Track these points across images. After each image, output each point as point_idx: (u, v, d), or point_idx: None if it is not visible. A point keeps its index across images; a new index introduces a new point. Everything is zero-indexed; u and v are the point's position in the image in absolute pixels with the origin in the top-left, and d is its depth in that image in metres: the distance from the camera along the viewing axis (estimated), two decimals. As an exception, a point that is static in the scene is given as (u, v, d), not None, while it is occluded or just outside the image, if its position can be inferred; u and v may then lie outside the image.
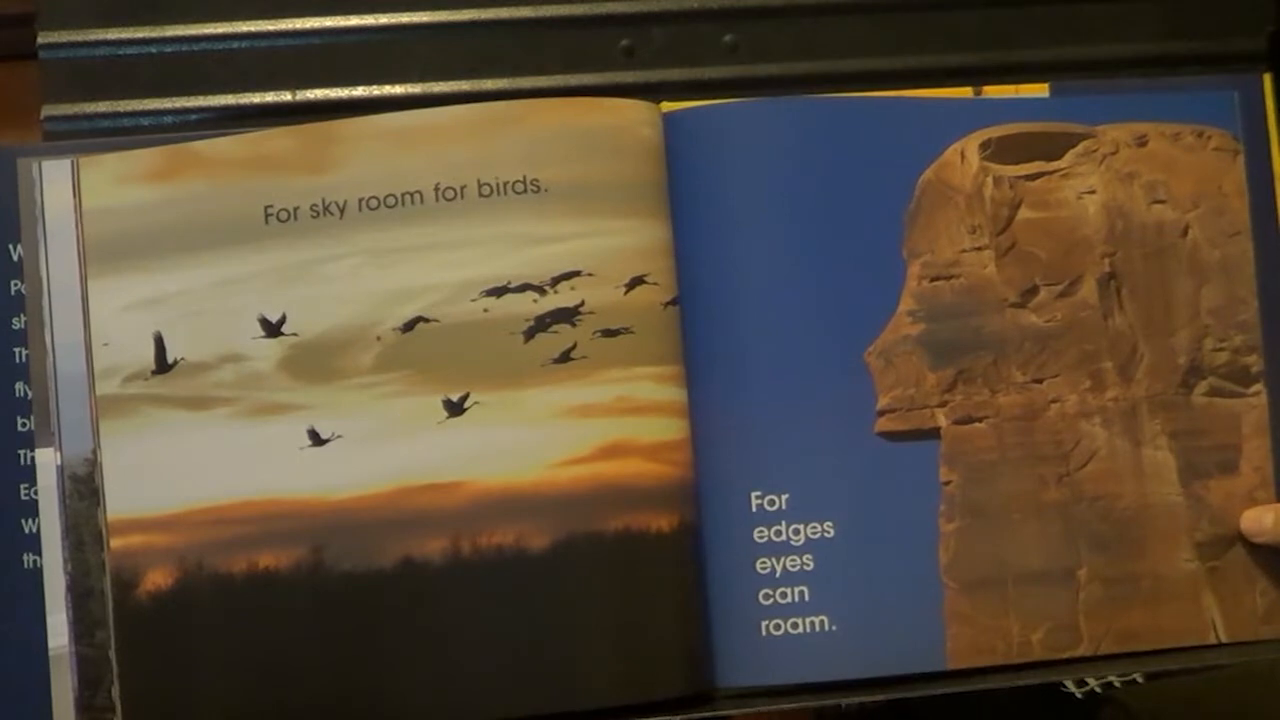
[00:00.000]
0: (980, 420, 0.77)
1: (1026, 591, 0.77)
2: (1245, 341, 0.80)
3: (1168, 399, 0.79)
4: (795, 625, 0.75)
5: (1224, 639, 0.78)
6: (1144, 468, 0.78)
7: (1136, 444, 0.78)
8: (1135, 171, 0.79)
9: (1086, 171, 0.79)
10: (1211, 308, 0.80)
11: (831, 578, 0.75)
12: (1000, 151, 0.78)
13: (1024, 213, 0.78)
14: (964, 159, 0.78)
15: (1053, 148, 0.79)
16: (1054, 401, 0.78)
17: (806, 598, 0.75)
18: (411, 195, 0.74)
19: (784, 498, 0.75)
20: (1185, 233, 0.80)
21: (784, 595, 0.75)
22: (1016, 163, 0.78)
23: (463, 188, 0.74)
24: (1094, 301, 0.78)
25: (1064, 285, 0.78)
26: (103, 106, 0.81)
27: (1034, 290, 0.78)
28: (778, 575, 0.75)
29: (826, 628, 0.75)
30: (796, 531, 0.75)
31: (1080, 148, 0.79)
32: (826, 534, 0.75)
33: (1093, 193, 0.79)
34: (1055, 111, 0.79)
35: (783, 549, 0.75)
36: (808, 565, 0.75)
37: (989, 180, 0.78)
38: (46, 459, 0.75)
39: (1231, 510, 0.79)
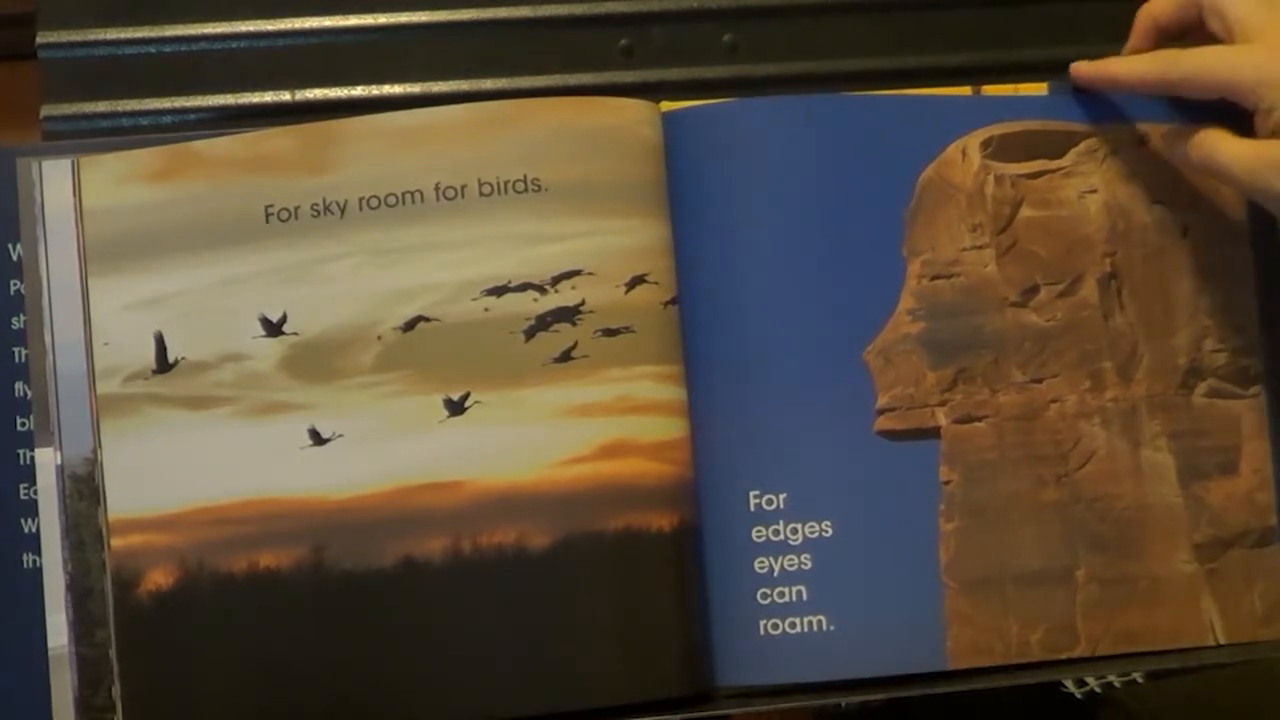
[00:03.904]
0: (980, 420, 0.77)
1: (1025, 592, 0.76)
2: (1244, 343, 0.79)
3: (1167, 399, 0.79)
4: (793, 625, 0.75)
5: (1222, 641, 0.78)
6: (1143, 468, 0.78)
7: (1136, 444, 0.78)
8: (1136, 171, 0.79)
9: (1088, 170, 0.79)
10: (1211, 308, 0.79)
11: (830, 577, 0.75)
12: (1002, 150, 0.78)
13: (1025, 211, 0.78)
14: (965, 157, 0.78)
15: (1054, 146, 0.79)
16: (1054, 401, 0.78)
17: (804, 597, 0.75)
18: (412, 195, 0.74)
19: (782, 497, 0.75)
20: (1185, 233, 0.80)
21: (782, 595, 0.75)
22: (1018, 161, 0.78)
23: (463, 187, 0.74)
24: (1094, 301, 0.78)
25: (1065, 285, 0.78)
26: (102, 106, 0.81)
27: (1034, 289, 0.78)
28: (776, 575, 0.75)
29: (825, 627, 0.75)
30: (795, 531, 0.75)
31: (1082, 146, 0.79)
32: (825, 533, 0.75)
33: (1094, 192, 0.79)
34: (1057, 110, 0.79)
35: (781, 548, 0.75)
36: (806, 565, 0.75)
37: (990, 178, 0.78)
38: (46, 459, 0.75)
39: (1230, 512, 0.79)
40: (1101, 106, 0.79)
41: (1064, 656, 0.77)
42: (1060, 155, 0.79)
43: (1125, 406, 0.78)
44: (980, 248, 0.77)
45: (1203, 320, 0.79)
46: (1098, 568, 0.77)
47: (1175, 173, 0.80)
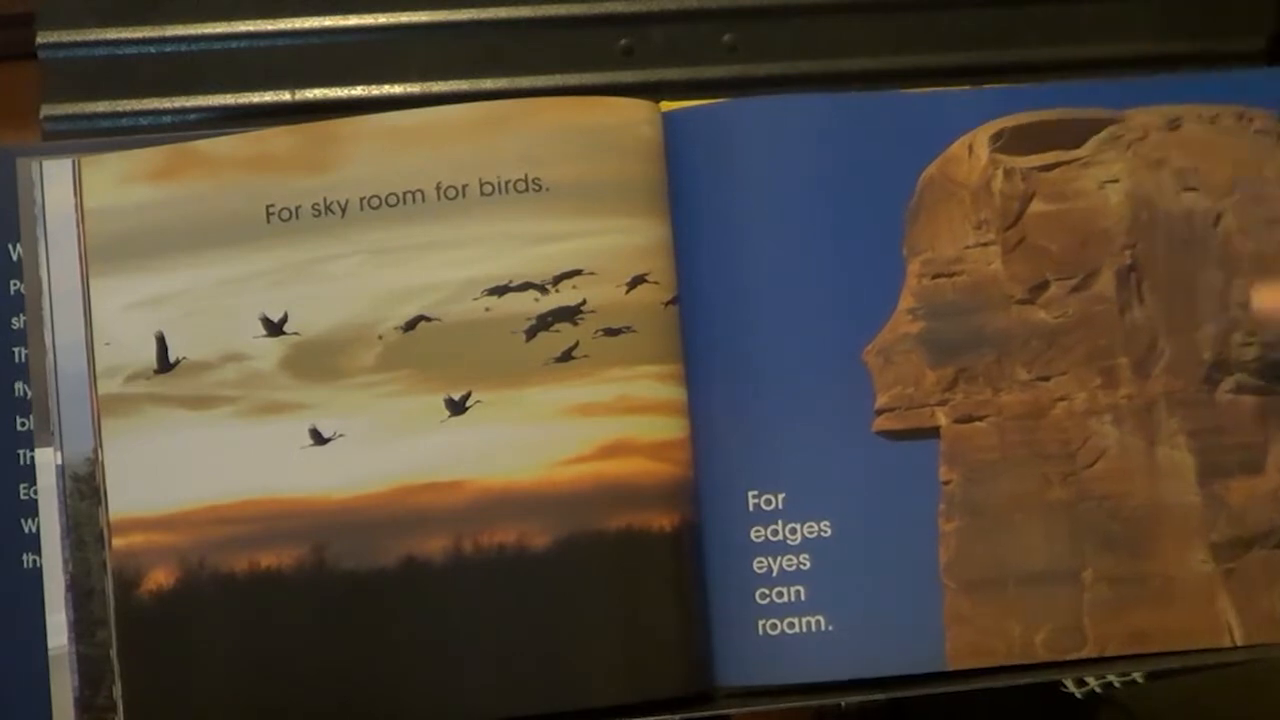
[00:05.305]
0: (981, 419, 0.76)
1: (1028, 592, 0.76)
2: (1277, 336, 0.78)
3: (1188, 396, 0.77)
4: (792, 625, 0.75)
5: (1240, 642, 0.77)
6: (1158, 466, 0.77)
7: (1151, 442, 0.77)
8: (1165, 157, 0.78)
9: (1110, 159, 0.78)
10: (1242, 301, 0.78)
11: (828, 577, 0.75)
12: (1014, 142, 0.77)
13: (1036, 205, 0.77)
14: (972, 152, 0.77)
15: (1073, 135, 0.78)
16: (1060, 400, 0.77)
17: (803, 597, 0.75)
18: (413, 194, 0.74)
19: (780, 497, 0.75)
20: (1217, 222, 0.78)
21: (780, 595, 0.75)
22: (1032, 153, 0.77)
23: (464, 186, 0.74)
24: (1110, 295, 0.77)
25: (1078, 279, 0.77)
26: (102, 106, 0.82)
27: (1044, 285, 0.77)
28: (774, 575, 0.75)
29: (823, 627, 0.75)
30: (793, 531, 0.75)
31: (1105, 134, 0.78)
32: (823, 533, 0.75)
33: (1116, 181, 0.78)
34: (1077, 97, 0.79)
35: (779, 548, 0.75)
36: (804, 565, 0.75)
37: (998, 173, 0.77)
38: (46, 459, 0.75)
39: (1252, 512, 0.77)
40: (1127, 91, 0.79)
41: (1070, 657, 0.76)
42: (1078, 145, 0.78)
43: (1140, 404, 0.77)
44: (985, 245, 0.77)
45: (1232, 313, 0.78)
46: (1107, 567, 0.76)
47: (1212, 157, 0.78)
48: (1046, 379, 0.77)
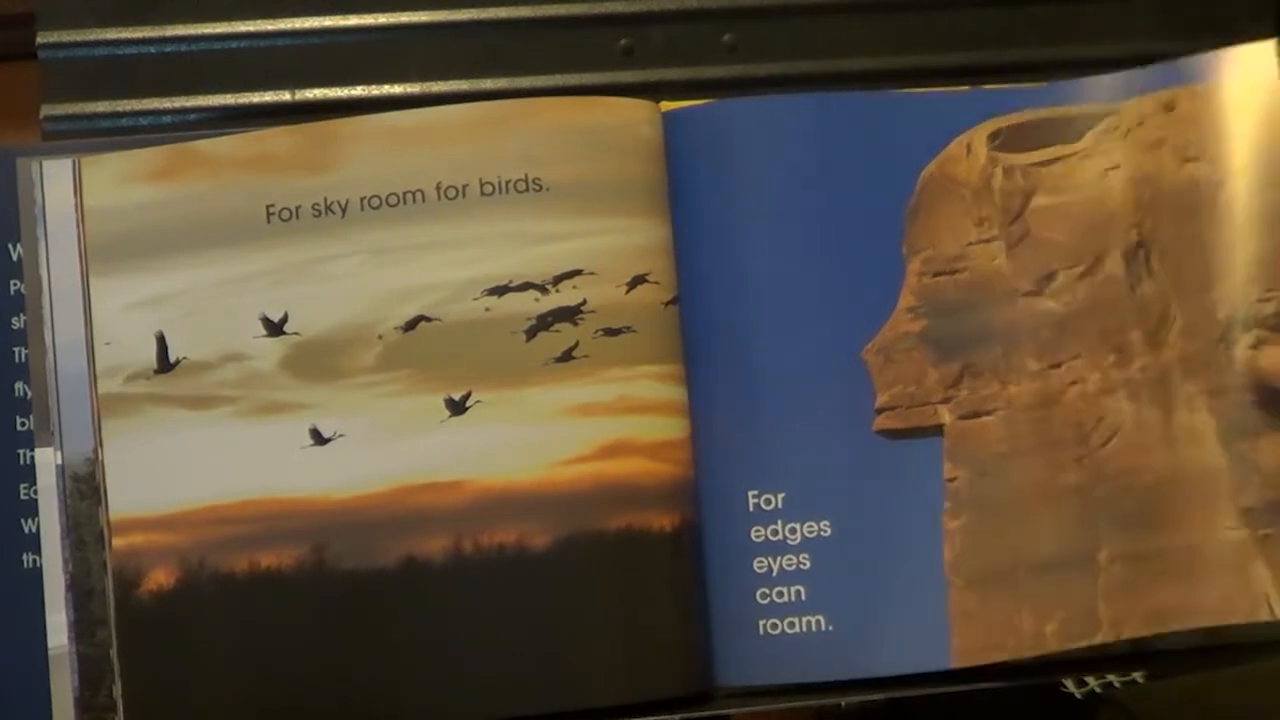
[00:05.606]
0: (988, 414, 0.76)
1: (1040, 581, 0.75)
2: None
3: (1205, 357, 0.75)
4: (792, 625, 0.75)
5: None
6: (1175, 434, 0.75)
7: (1168, 410, 0.75)
8: (1163, 138, 0.77)
9: (1109, 149, 0.77)
10: (1256, 257, 0.75)
11: (828, 577, 0.75)
12: (1011, 140, 0.77)
13: (1038, 200, 0.77)
14: (970, 151, 0.77)
15: (1070, 131, 0.77)
16: (1073, 384, 0.76)
17: (803, 597, 0.75)
18: (413, 194, 0.74)
19: (780, 496, 0.75)
20: (1221, 186, 0.76)
21: (780, 594, 0.75)
22: (1030, 150, 0.77)
23: (465, 186, 0.74)
24: (1119, 274, 0.76)
25: (1085, 265, 0.76)
26: (102, 106, 0.81)
27: (1051, 276, 0.76)
28: (774, 575, 0.75)
29: (823, 627, 0.75)
30: (793, 530, 0.75)
31: (1102, 126, 0.77)
32: (823, 533, 0.75)
33: (1117, 168, 0.77)
34: (1070, 95, 0.78)
35: (779, 548, 0.75)
36: (804, 564, 0.75)
37: (998, 171, 0.77)
38: (46, 459, 0.75)
39: None
40: (1119, 84, 0.78)
41: (1083, 644, 0.74)
42: (1077, 139, 0.77)
43: (1155, 374, 0.75)
44: (987, 241, 0.77)
45: (1247, 269, 0.75)
46: (1123, 546, 0.74)
47: (1209, 129, 0.77)
48: (1058, 365, 0.76)
